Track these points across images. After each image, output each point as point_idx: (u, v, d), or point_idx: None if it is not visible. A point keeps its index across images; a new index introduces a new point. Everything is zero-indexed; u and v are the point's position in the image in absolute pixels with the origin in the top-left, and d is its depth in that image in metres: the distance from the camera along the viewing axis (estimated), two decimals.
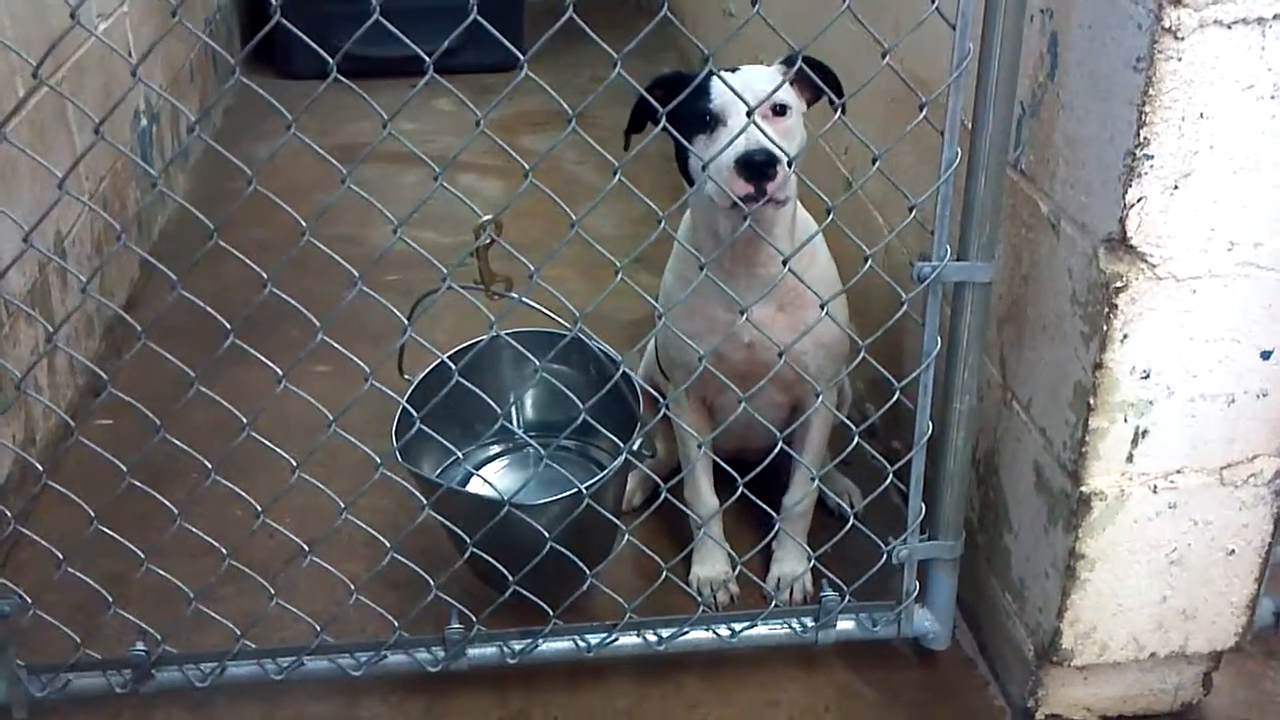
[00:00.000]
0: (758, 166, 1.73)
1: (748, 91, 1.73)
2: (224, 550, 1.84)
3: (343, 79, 1.55)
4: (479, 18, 1.48)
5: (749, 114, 1.65)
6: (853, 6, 1.58)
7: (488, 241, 1.68)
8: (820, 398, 1.98)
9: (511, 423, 2.24)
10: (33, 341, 2.55)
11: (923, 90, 1.68)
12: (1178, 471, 1.73)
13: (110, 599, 1.84)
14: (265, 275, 1.62)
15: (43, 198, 2.64)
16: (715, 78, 1.84)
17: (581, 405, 1.73)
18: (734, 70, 1.90)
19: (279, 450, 1.77)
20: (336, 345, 1.71)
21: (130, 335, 3.07)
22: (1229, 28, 1.45)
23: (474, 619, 1.90)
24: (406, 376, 1.96)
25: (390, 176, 4.20)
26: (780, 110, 1.85)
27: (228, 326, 1.65)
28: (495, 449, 2.28)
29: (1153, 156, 1.52)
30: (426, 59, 1.50)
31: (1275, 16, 1.45)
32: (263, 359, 1.71)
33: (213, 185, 4.08)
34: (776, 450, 1.89)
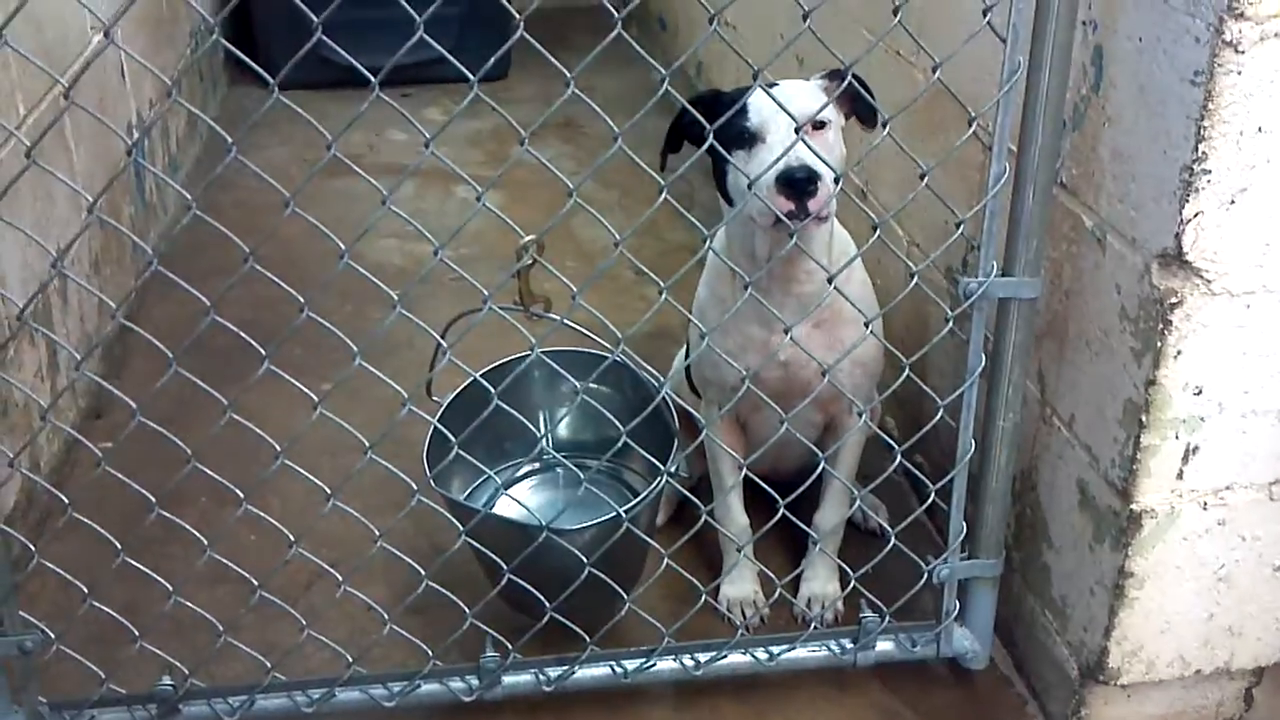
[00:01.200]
0: (800, 184, 1.70)
1: (789, 107, 1.70)
2: (254, 581, 1.78)
3: (384, 97, 1.51)
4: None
5: (797, 130, 1.62)
6: (883, 22, 1.54)
7: (529, 262, 1.64)
8: (862, 416, 1.94)
9: (529, 443, 2.20)
10: (35, 365, 2.48)
11: (956, 104, 1.65)
12: (1227, 488, 1.71)
13: (136, 633, 1.78)
14: (302, 300, 1.57)
15: (45, 215, 2.58)
16: (753, 94, 1.80)
17: (621, 427, 1.69)
18: (772, 85, 1.87)
19: (312, 478, 1.72)
20: (373, 369, 1.67)
21: (130, 354, 3.02)
22: None
23: (509, 646, 1.85)
24: (435, 398, 1.92)
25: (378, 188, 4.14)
26: (819, 125, 1.82)
27: (262, 352, 1.60)
28: (522, 468, 2.24)
29: (1210, 171, 1.50)
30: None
31: None
32: (295, 382, 1.66)
33: (204, 200, 3.99)
34: (819, 470, 1.86)
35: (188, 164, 4.16)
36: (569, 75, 1.47)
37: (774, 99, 1.64)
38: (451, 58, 1.52)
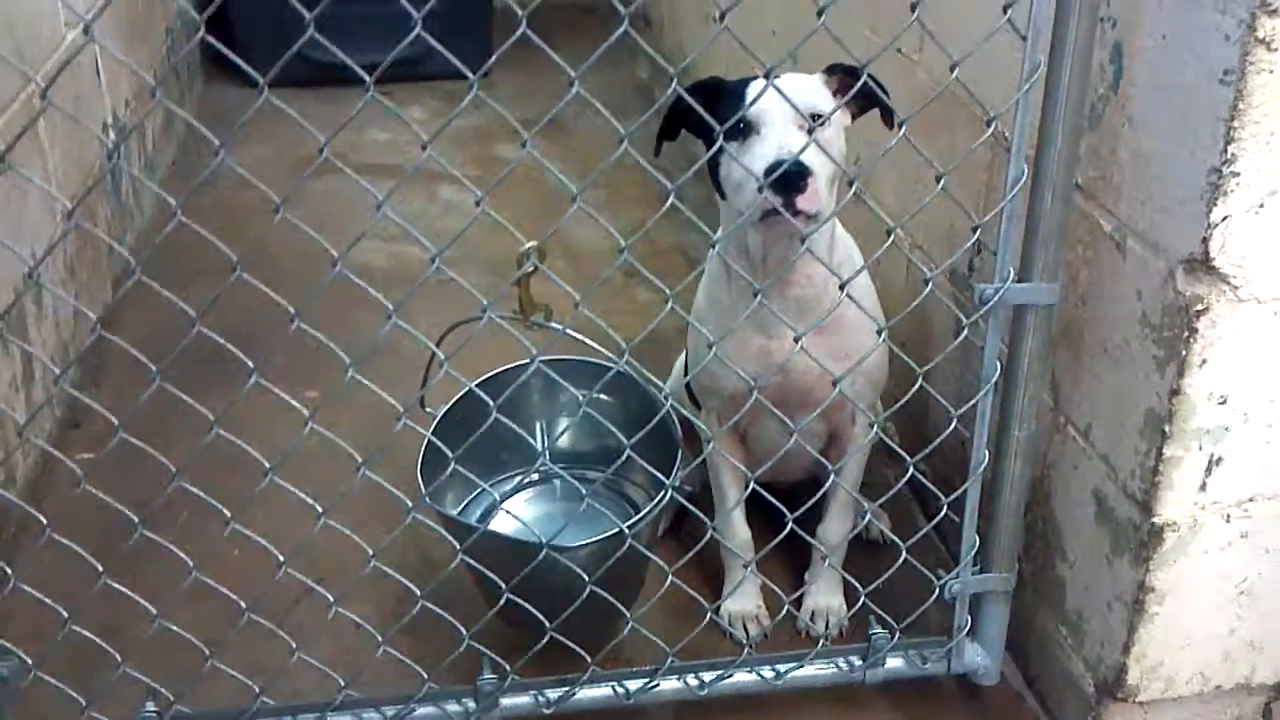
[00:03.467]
0: (790, 178, 1.63)
1: (784, 101, 1.63)
2: (241, 603, 1.70)
3: (380, 97, 1.44)
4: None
5: (815, 124, 1.55)
6: (885, 19, 1.48)
7: (530, 269, 1.57)
8: (874, 427, 1.88)
9: (525, 455, 2.13)
10: (10, 375, 2.39)
11: (967, 103, 1.59)
12: (1250, 500, 1.66)
13: (119, 658, 1.71)
14: (293, 310, 1.50)
15: (18, 219, 2.49)
16: (751, 82, 1.74)
17: (625, 440, 1.63)
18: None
19: (302, 494, 1.65)
20: (364, 380, 1.60)
21: (108, 361, 2.93)
22: None
23: (508, 668, 1.78)
24: (429, 409, 1.84)
25: (364, 191, 4.06)
26: (817, 119, 1.75)
27: (250, 365, 1.52)
28: (516, 480, 2.17)
29: (1239, 174, 1.44)
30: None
31: None
32: (283, 395, 1.59)
33: (181, 201, 3.92)
34: (829, 482, 1.80)
35: (163, 165, 4.06)
36: (573, 75, 1.40)
37: (778, 90, 1.57)
38: (451, 56, 1.44)
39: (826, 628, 2.10)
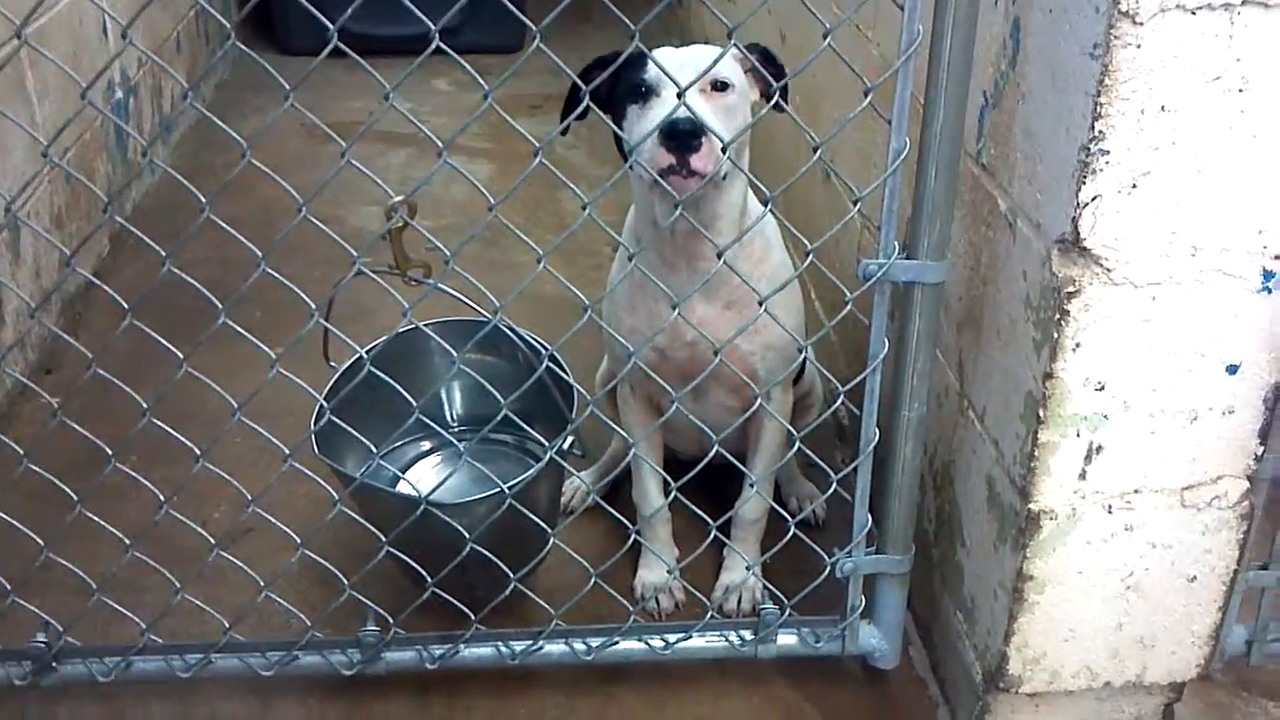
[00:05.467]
0: (682, 136, 1.62)
1: (688, 68, 1.63)
2: (126, 540, 1.74)
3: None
4: None
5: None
6: None
7: (400, 224, 1.58)
8: (769, 400, 1.86)
9: (430, 417, 2.13)
10: None
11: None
12: (1135, 491, 1.61)
13: (8, 587, 1.76)
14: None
15: None
16: (654, 51, 1.73)
17: (503, 400, 1.63)
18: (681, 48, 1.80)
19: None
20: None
21: (91, 311, 3.00)
22: (1193, 13, 1.33)
23: (390, 621, 1.80)
24: (333, 364, 1.86)
25: (376, 156, 4.11)
26: (721, 87, 1.74)
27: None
28: (427, 444, 2.18)
29: (1109, 152, 1.40)
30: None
31: (1244, 1, 1.33)
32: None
33: (195, 160, 4.01)
34: (713, 454, 1.78)
35: (184, 124, 4.15)
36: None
37: (655, 61, 1.56)
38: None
39: (739, 603, 2.09)
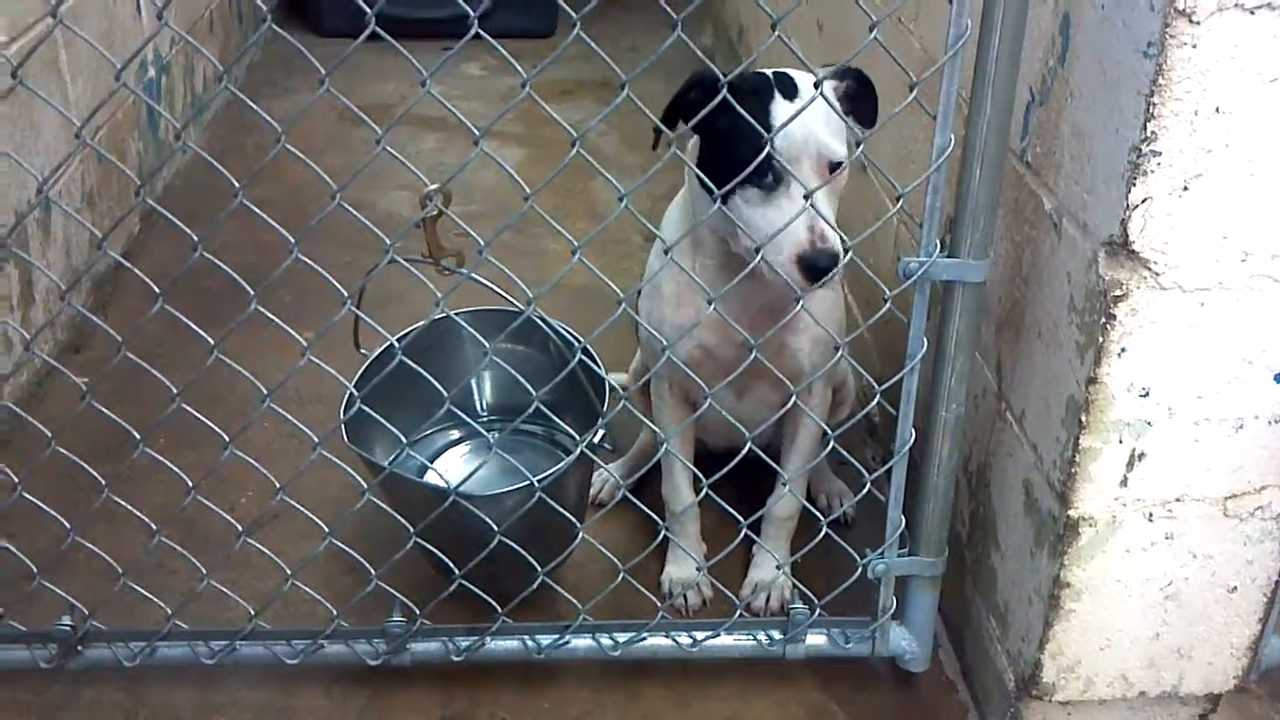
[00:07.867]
0: (818, 270, 1.61)
1: (810, 142, 1.60)
2: (153, 525, 1.73)
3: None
4: None
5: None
6: None
7: (434, 213, 1.56)
8: (811, 396, 1.83)
9: (462, 407, 2.11)
10: (5, 294, 2.47)
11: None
12: (1177, 500, 1.58)
13: (35, 569, 1.75)
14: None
15: (25, 146, 2.55)
16: (773, 104, 1.67)
17: (534, 392, 1.61)
18: (785, 80, 1.72)
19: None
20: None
21: (121, 292, 3.00)
22: (1252, 13, 1.30)
23: (417, 612, 1.79)
24: (363, 351, 1.85)
25: (407, 141, 4.10)
26: (834, 166, 1.69)
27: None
28: (456, 434, 2.16)
29: (1160, 153, 1.37)
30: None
31: None
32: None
33: (226, 141, 4.00)
34: (746, 450, 1.76)
35: (217, 105, 4.14)
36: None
37: (807, 125, 1.52)
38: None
39: (767, 602, 2.07)
